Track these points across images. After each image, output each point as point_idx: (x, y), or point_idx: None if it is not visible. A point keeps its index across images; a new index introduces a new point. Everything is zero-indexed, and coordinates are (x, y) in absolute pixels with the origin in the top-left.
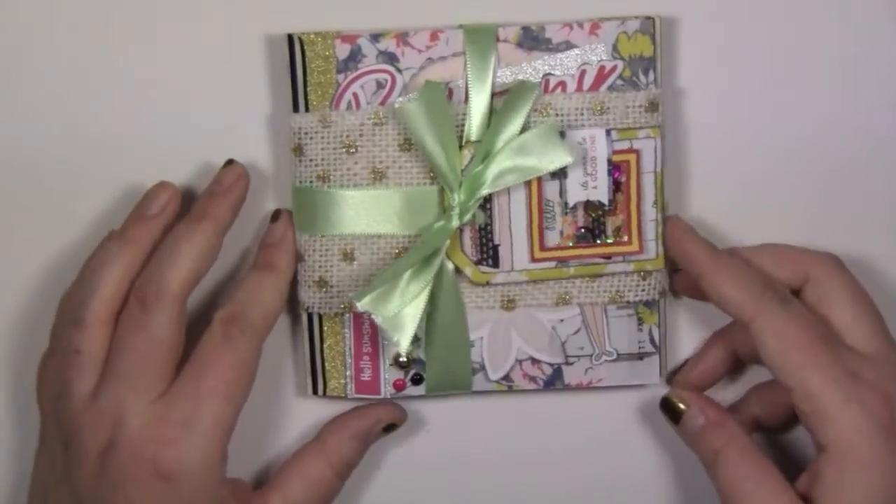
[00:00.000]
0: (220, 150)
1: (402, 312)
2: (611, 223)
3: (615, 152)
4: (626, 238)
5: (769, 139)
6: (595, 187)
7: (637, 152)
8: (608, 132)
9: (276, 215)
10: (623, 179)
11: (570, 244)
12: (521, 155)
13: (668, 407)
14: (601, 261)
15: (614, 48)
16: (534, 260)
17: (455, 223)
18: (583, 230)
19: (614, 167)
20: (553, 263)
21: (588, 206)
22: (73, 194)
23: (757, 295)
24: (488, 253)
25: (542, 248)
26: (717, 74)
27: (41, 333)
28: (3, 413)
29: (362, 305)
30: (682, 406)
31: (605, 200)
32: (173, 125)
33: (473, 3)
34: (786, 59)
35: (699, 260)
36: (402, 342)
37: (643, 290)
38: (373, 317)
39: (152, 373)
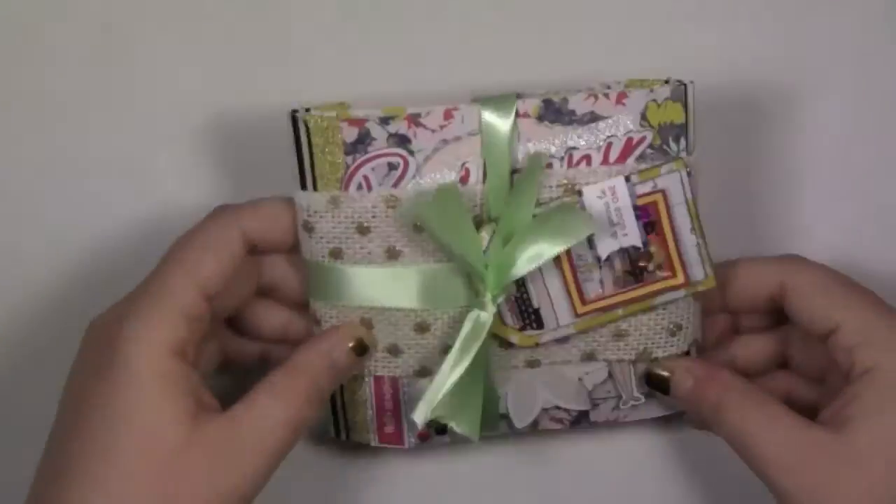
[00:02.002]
0: None
1: (466, 406)
2: (650, 263)
3: (639, 196)
4: (669, 273)
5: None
6: (626, 234)
7: (663, 192)
8: (627, 178)
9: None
10: (654, 220)
11: (612, 292)
12: (543, 236)
13: (653, 380)
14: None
15: (643, 117)
16: (578, 315)
17: (491, 310)
18: (622, 275)
19: (642, 211)
20: (601, 312)
21: (623, 252)
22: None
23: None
24: (530, 318)
25: (584, 301)
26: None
27: None
28: None
29: (422, 420)
30: (665, 373)
31: (639, 244)
32: (178, 194)
33: (486, 69)
34: (800, 112)
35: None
36: (474, 434)
37: (672, 346)
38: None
39: None
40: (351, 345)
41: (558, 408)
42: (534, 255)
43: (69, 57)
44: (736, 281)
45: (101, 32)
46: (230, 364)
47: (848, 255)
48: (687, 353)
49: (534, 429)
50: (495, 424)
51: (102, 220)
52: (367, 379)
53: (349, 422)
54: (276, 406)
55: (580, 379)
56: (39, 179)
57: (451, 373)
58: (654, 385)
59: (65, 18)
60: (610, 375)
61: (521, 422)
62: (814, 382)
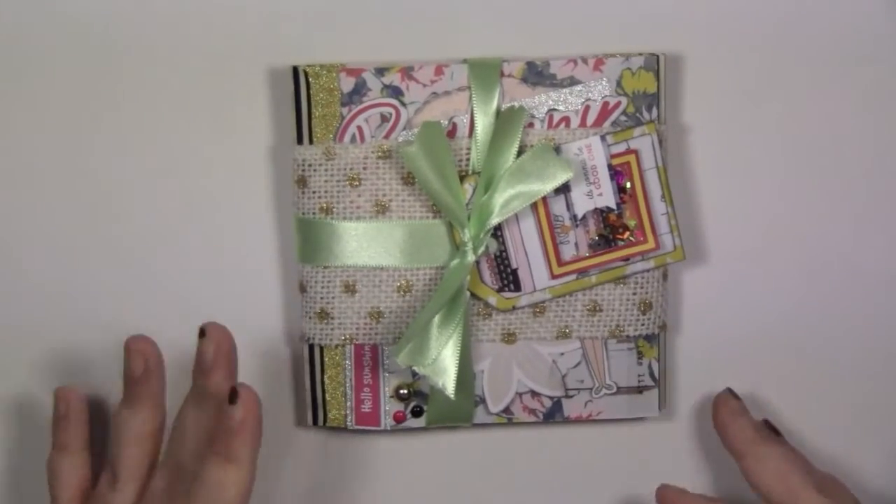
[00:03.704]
0: (222, 182)
1: (441, 355)
2: (622, 225)
3: (613, 156)
4: (640, 238)
5: (774, 173)
6: (600, 194)
7: (635, 152)
8: (603, 138)
9: (233, 395)
10: (627, 182)
11: (587, 254)
12: (522, 179)
13: None
14: (621, 263)
15: (618, 84)
16: (554, 276)
17: (470, 258)
18: (597, 238)
19: (616, 171)
20: (574, 276)
21: (597, 213)
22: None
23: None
24: (508, 279)
25: (560, 263)
26: (720, 110)
27: None
28: None
29: (402, 360)
30: None
31: (613, 205)
32: (173, 158)
33: (478, 38)
34: (790, 94)
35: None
36: (448, 385)
37: (643, 325)
38: (414, 368)
39: None
40: None
41: (533, 394)
42: (514, 198)
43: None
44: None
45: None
46: None
47: None
48: (658, 338)
49: (508, 421)
50: (469, 412)
51: None
52: (347, 348)
53: (326, 404)
54: None
55: (554, 361)
56: None
57: (432, 311)
58: None
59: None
60: (583, 357)
61: (496, 405)
62: None
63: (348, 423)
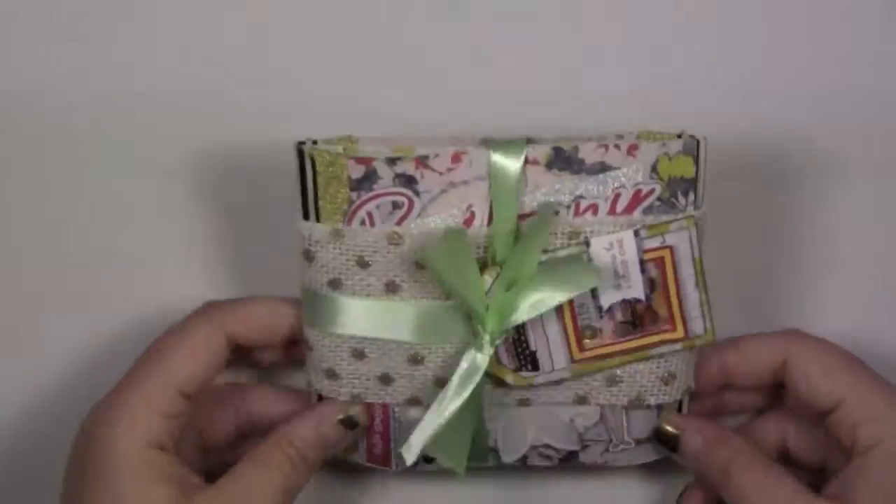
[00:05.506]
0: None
1: (450, 440)
2: (651, 314)
3: (646, 251)
4: (668, 326)
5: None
6: (629, 286)
7: (671, 248)
8: (636, 232)
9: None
10: (658, 276)
11: (610, 340)
12: (549, 282)
13: (663, 436)
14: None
15: (653, 170)
16: (574, 361)
17: (488, 351)
18: (622, 324)
19: (647, 265)
20: (597, 359)
21: (625, 303)
22: None
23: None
24: (526, 359)
25: (582, 349)
26: None
27: None
28: None
29: (412, 459)
30: (675, 431)
31: (642, 297)
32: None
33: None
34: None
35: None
36: (459, 467)
37: (665, 395)
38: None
39: None
40: (340, 418)
41: (548, 446)
42: (536, 302)
43: None
44: (738, 357)
45: None
46: (207, 441)
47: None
48: (680, 402)
49: (522, 464)
50: (483, 457)
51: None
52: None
53: None
54: (262, 475)
55: (571, 420)
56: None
57: (443, 412)
58: (663, 441)
59: None
60: (602, 418)
61: (509, 457)
62: (812, 468)
63: (360, 459)
